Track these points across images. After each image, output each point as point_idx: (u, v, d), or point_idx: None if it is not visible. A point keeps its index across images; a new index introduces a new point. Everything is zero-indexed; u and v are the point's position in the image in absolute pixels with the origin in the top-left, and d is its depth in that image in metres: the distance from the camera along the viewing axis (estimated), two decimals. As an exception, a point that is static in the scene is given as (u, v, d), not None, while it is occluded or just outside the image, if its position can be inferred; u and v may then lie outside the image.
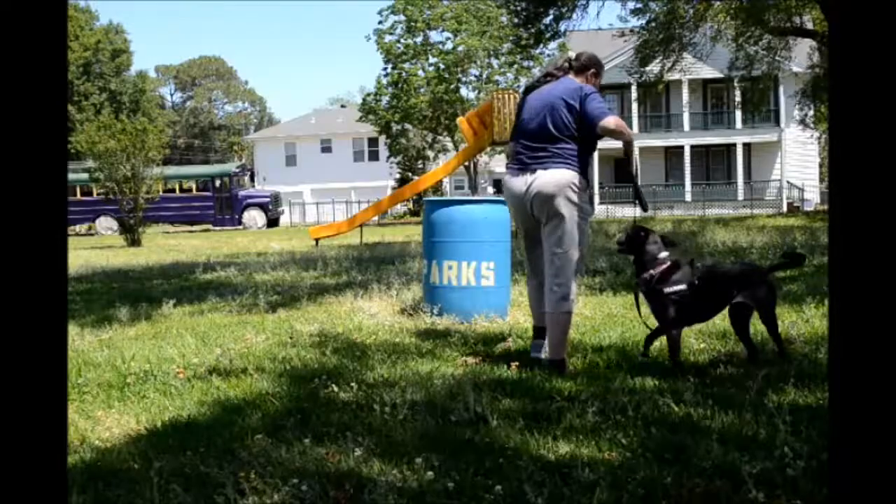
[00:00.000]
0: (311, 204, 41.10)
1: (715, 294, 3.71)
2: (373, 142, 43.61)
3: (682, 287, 3.61)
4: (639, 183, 4.31)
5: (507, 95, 13.01)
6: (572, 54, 4.17)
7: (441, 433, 2.82)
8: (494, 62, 31.15)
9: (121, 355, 4.40)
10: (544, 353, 3.91)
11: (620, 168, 34.12)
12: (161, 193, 24.43)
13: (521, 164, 3.93)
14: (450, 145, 32.97)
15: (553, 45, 28.97)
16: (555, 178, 3.79)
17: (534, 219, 3.92)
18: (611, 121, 3.76)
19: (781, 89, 30.20)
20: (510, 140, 4.11)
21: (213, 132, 75.17)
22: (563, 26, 21.53)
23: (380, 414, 3.06)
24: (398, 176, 37.60)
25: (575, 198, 3.82)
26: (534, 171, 3.85)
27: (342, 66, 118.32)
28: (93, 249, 18.09)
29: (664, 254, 3.73)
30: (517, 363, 3.85)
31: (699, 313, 3.78)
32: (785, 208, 30.62)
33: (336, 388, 3.46)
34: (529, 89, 4.10)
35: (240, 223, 32.38)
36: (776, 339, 3.75)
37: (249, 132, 64.44)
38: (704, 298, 3.66)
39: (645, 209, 4.10)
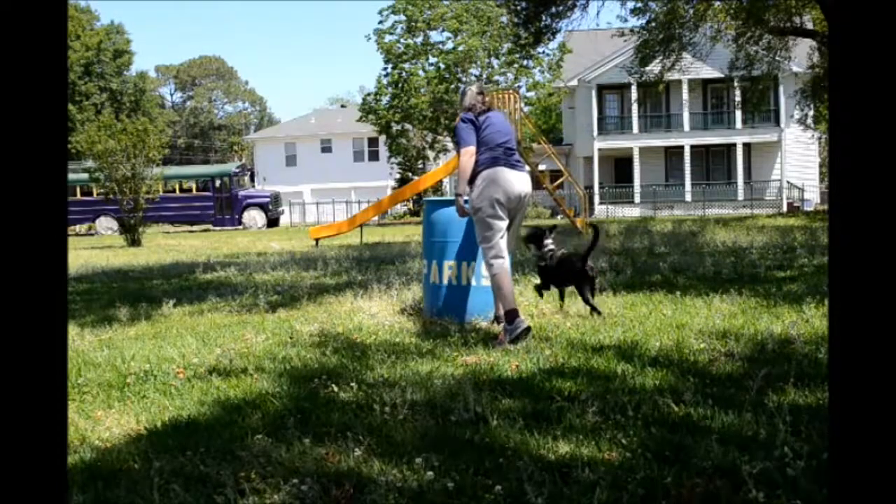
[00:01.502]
0: (311, 204, 41.10)
1: (555, 271, 5.43)
2: (373, 142, 43.60)
3: (542, 263, 5.50)
4: None
5: (507, 95, 12.99)
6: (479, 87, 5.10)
7: (441, 433, 2.82)
8: (494, 62, 31.17)
9: (121, 355, 4.40)
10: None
11: (620, 168, 34.17)
12: (161, 193, 24.45)
13: (512, 163, 4.76)
14: (450, 145, 32.96)
15: (553, 44, 29.06)
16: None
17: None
18: None
19: (781, 89, 30.20)
20: (492, 142, 4.78)
21: (213, 132, 75.15)
22: (562, 26, 21.52)
23: (380, 414, 3.06)
24: (398, 176, 37.59)
25: None
26: (522, 169, 4.82)
27: (342, 66, 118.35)
28: (93, 249, 18.10)
29: (548, 241, 5.47)
30: (517, 363, 3.85)
31: (551, 281, 5.54)
32: (785, 208, 30.63)
33: (336, 388, 3.46)
34: (474, 107, 4.87)
35: (240, 223, 32.39)
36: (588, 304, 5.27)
37: (249, 132, 64.43)
38: (551, 272, 5.47)
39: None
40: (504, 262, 4.70)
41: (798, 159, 33.28)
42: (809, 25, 21.93)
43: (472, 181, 4.75)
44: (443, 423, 2.94)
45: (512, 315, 4.49)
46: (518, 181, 4.73)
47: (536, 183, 4.60)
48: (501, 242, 4.71)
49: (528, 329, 4.44)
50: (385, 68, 32.28)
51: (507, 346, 4.27)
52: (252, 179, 38.36)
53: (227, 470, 2.49)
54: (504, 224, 4.72)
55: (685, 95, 31.87)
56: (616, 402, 3.06)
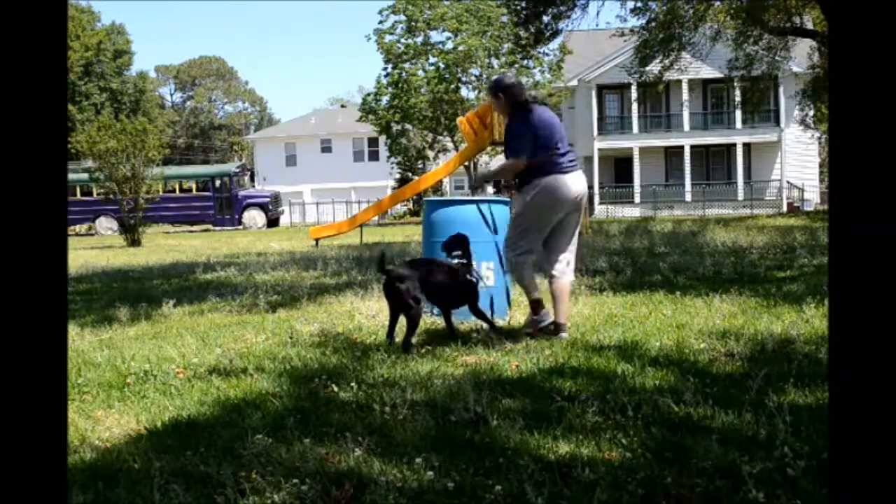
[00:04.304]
0: (311, 204, 41.09)
1: None
2: (373, 142, 43.60)
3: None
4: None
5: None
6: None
7: (441, 433, 2.82)
8: (494, 62, 31.14)
9: (121, 355, 4.40)
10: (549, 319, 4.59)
11: (620, 168, 34.18)
12: (161, 193, 24.46)
13: (572, 166, 4.55)
14: (450, 145, 32.96)
15: (553, 44, 29.07)
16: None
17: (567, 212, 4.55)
18: None
19: (781, 89, 30.20)
20: (551, 144, 4.52)
21: (213, 132, 75.14)
22: (562, 26, 21.53)
23: (380, 414, 3.06)
24: (398, 176, 37.58)
25: None
26: (577, 170, 4.59)
27: (342, 66, 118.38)
28: (93, 249, 18.10)
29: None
30: (517, 363, 3.85)
31: None
32: (785, 208, 30.62)
33: (336, 388, 3.46)
34: (528, 102, 4.61)
35: (240, 223, 32.38)
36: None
37: (249, 132, 64.45)
38: None
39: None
40: (532, 263, 4.68)
41: (798, 159, 33.27)
42: (809, 25, 21.95)
43: (519, 186, 4.59)
44: (443, 423, 2.94)
45: (539, 304, 4.65)
46: (580, 181, 4.56)
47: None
48: (534, 245, 4.62)
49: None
50: (385, 68, 32.26)
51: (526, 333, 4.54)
52: (252, 179, 38.35)
53: (228, 470, 2.49)
54: (544, 232, 4.57)
55: (685, 95, 31.87)
56: (616, 402, 3.06)
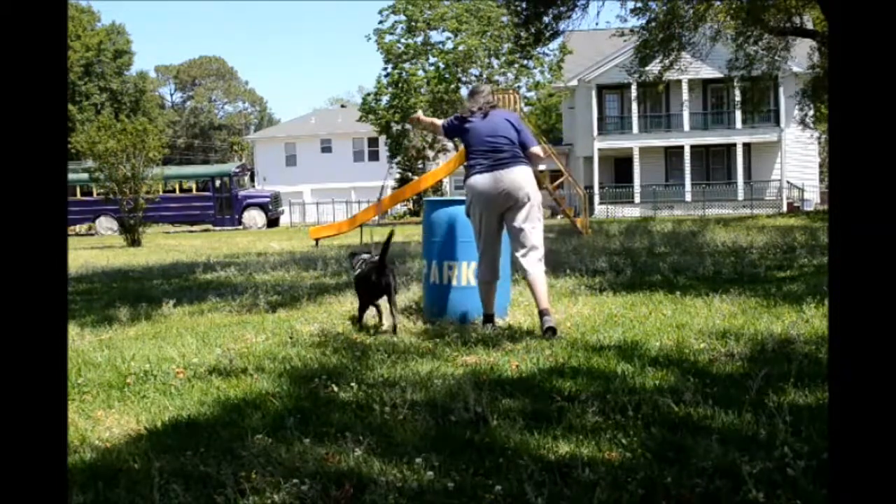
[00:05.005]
0: (311, 204, 41.08)
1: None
2: (373, 142, 43.60)
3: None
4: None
5: (507, 95, 12.98)
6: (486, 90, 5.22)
7: (441, 433, 2.82)
8: (494, 62, 31.17)
9: (121, 355, 4.40)
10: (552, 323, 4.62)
11: (620, 168, 34.18)
12: (161, 193, 24.46)
13: (497, 165, 4.78)
14: (450, 145, 32.96)
15: (554, 44, 29.07)
16: (524, 171, 4.81)
17: (500, 210, 4.79)
18: (539, 149, 5.02)
19: (781, 89, 30.18)
20: (470, 150, 4.93)
21: (213, 132, 75.14)
22: (562, 26, 21.51)
23: (380, 414, 3.06)
24: (398, 176, 37.59)
25: (535, 184, 4.89)
26: (501, 168, 4.75)
27: (342, 66, 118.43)
28: (93, 249, 18.10)
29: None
30: (517, 363, 3.85)
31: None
32: (785, 208, 30.62)
33: (336, 388, 3.46)
34: (464, 119, 5.03)
35: (240, 223, 32.37)
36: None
37: (249, 132, 64.46)
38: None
39: None
40: (490, 278, 4.94)
41: (798, 159, 33.26)
42: (809, 25, 21.94)
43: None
44: (443, 423, 2.94)
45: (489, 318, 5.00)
46: (489, 180, 4.74)
47: (537, 183, 4.64)
48: (493, 255, 4.89)
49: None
50: (385, 68, 32.29)
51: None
52: (252, 179, 38.35)
53: (228, 470, 2.49)
54: (489, 234, 4.84)
55: (685, 95, 31.85)
56: (616, 402, 3.06)
